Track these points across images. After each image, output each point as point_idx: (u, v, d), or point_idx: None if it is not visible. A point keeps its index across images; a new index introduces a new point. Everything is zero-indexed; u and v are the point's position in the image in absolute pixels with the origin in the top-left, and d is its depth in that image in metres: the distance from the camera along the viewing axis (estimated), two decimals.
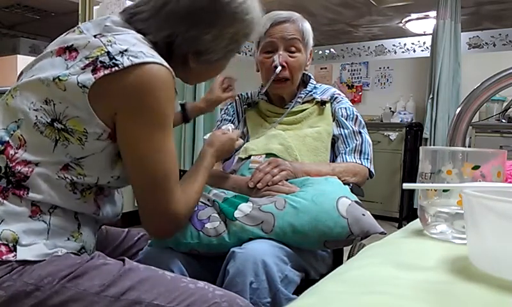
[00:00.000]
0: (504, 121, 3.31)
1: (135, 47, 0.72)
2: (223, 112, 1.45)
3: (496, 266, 0.40)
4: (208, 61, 0.87)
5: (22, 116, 0.72)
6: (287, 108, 1.32)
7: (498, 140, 3.13)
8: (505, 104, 3.37)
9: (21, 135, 0.72)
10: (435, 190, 0.57)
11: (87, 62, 0.70)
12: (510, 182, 0.78)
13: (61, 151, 0.72)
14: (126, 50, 0.71)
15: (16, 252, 0.68)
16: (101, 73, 0.69)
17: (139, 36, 0.77)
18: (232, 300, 0.73)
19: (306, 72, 1.39)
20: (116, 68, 0.69)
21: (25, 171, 0.71)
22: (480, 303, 0.35)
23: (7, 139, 0.72)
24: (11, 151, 0.71)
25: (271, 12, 1.30)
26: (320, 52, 5.11)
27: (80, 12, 2.27)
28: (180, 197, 0.80)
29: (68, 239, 0.75)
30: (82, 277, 0.69)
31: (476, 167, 0.54)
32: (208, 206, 0.99)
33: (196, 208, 0.97)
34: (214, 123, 1.85)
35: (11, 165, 0.71)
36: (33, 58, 0.81)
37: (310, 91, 1.35)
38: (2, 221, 0.69)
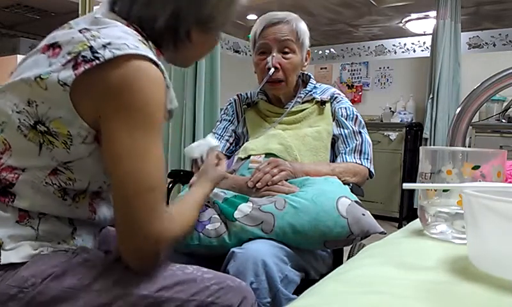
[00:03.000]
0: (504, 121, 3.31)
1: (119, 40, 0.67)
2: (222, 112, 1.45)
3: (496, 266, 0.40)
4: (211, 29, 0.85)
5: (6, 119, 0.69)
6: (287, 108, 1.32)
7: (498, 140, 3.13)
8: (505, 104, 3.37)
9: (5, 140, 0.70)
10: (435, 190, 0.57)
11: (69, 58, 0.66)
12: (510, 182, 0.78)
13: (47, 155, 0.69)
14: (109, 44, 0.66)
15: (0, 256, 0.67)
16: (81, 68, 0.64)
17: (128, 28, 0.72)
18: (221, 282, 0.72)
19: (306, 72, 1.39)
20: (97, 62, 0.64)
21: (11, 178, 0.69)
22: (480, 303, 0.35)
23: None
24: None
25: (267, 13, 1.30)
26: (320, 52, 5.11)
27: (80, 12, 2.27)
28: (166, 222, 0.68)
29: (59, 243, 0.73)
30: (66, 275, 0.67)
31: (476, 167, 0.54)
32: (209, 207, 0.99)
33: None
34: (214, 123, 1.85)
35: None
36: None
37: (310, 91, 1.35)
38: None
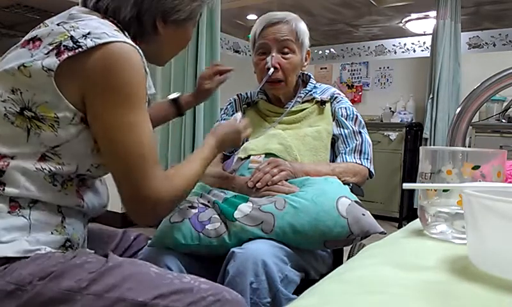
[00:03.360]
0: (504, 121, 3.31)
1: (98, 29, 0.72)
2: (222, 112, 1.45)
3: (496, 266, 0.40)
4: (176, 22, 0.86)
5: None
6: (287, 108, 1.32)
7: (498, 140, 3.13)
8: (505, 104, 3.37)
9: None
10: (435, 190, 0.57)
11: (50, 48, 0.70)
12: (510, 182, 0.78)
13: (35, 141, 0.72)
14: (89, 33, 0.71)
15: None
16: (65, 55, 0.69)
17: (104, 20, 0.77)
18: (217, 293, 0.71)
19: (306, 72, 1.39)
20: (80, 50, 0.69)
21: (1, 166, 0.71)
22: (480, 303, 0.35)
23: None
24: None
25: (267, 13, 1.30)
26: (320, 52, 5.11)
27: None
28: (161, 182, 0.75)
29: (52, 233, 0.74)
30: (64, 276, 0.68)
31: (476, 167, 0.54)
32: (209, 207, 0.99)
33: (197, 210, 0.97)
34: (214, 123, 1.85)
35: None
36: None
37: (310, 91, 1.34)
38: None
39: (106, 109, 0.71)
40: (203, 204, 1.01)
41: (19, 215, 0.71)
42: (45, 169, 0.72)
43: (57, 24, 0.74)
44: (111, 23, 0.77)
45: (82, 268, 0.70)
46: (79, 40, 0.70)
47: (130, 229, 1.09)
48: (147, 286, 0.69)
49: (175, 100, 1.25)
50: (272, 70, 1.24)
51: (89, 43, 0.69)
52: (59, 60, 0.69)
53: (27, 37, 0.76)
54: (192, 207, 0.99)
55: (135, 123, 0.73)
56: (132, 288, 0.68)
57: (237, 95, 1.45)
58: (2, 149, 0.71)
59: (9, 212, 0.70)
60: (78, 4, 0.84)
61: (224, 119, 1.41)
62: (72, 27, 0.72)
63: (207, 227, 0.94)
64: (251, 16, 4.20)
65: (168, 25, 0.86)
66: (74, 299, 0.66)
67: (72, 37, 0.70)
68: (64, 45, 0.70)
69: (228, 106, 1.44)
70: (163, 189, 0.75)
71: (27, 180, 0.71)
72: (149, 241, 0.99)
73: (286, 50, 1.27)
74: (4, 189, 0.70)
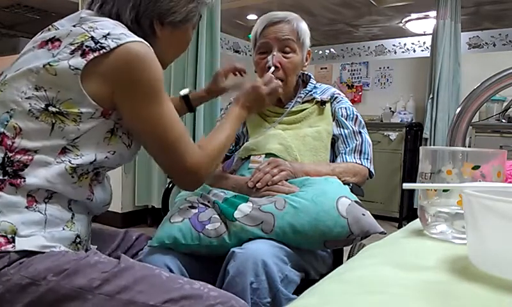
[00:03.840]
0: (504, 121, 3.31)
1: (115, 30, 0.76)
2: (222, 112, 1.45)
3: (496, 266, 0.40)
4: (173, 24, 0.89)
5: (15, 106, 0.74)
6: (287, 108, 1.32)
7: (498, 140, 3.13)
8: (505, 104, 3.37)
9: (16, 124, 0.74)
10: (435, 190, 0.57)
11: (72, 48, 0.74)
12: (510, 182, 0.78)
13: (58, 135, 0.74)
14: (109, 34, 0.75)
15: (14, 243, 0.69)
16: (90, 56, 0.73)
17: (115, 21, 0.81)
18: (226, 302, 0.72)
19: (306, 72, 1.39)
20: (104, 51, 0.73)
21: (25, 160, 0.73)
22: (480, 303, 0.35)
23: (1, 130, 0.74)
24: (9, 142, 0.73)
25: (268, 13, 1.30)
26: (320, 52, 5.11)
27: None
28: (196, 153, 0.86)
29: (63, 229, 0.76)
30: (77, 274, 0.69)
31: (476, 167, 0.54)
32: (209, 207, 0.99)
33: (197, 210, 0.98)
34: (214, 122, 1.85)
35: (10, 155, 0.73)
36: None
37: (310, 91, 1.34)
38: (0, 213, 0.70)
39: (137, 104, 0.78)
40: (203, 204, 1.01)
41: (35, 210, 0.73)
42: (65, 160, 0.75)
43: (74, 25, 0.77)
44: (121, 25, 0.80)
45: (95, 268, 0.71)
46: (100, 41, 0.74)
47: (131, 229, 1.09)
48: (158, 290, 0.70)
49: (185, 97, 1.29)
50: (273, 68, 1.24)
51: (112, 44, 0.74)
52: (85, 60, 0.73)
53: (42, 38, 0.78)
54: (193, 207, 0.99)
55: (163, 111, 0.81)
56: (143, 291, 0.69)
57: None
58: (27, 143, 0.73)
59: (26, 207, 0.72)
60: (78, 5, 0.86)
61: None
62: (91, 27, 0.76)
63: (207, 227, 0.94)
64: (251, 16, 4.20)
65: (165, 27, 0.88)
66: (86, 297, 0.67)
67: (92, 37, 0.74)
68: (86, 46, 0.73)
69: (229, 106, 1.44)
70: (200, 159, 0.87)
71: (48, 172, 0.74)
72: (149, 241, 0.99)
73: (287, 49, 1.27)
74: (24, 181, 0.72)
